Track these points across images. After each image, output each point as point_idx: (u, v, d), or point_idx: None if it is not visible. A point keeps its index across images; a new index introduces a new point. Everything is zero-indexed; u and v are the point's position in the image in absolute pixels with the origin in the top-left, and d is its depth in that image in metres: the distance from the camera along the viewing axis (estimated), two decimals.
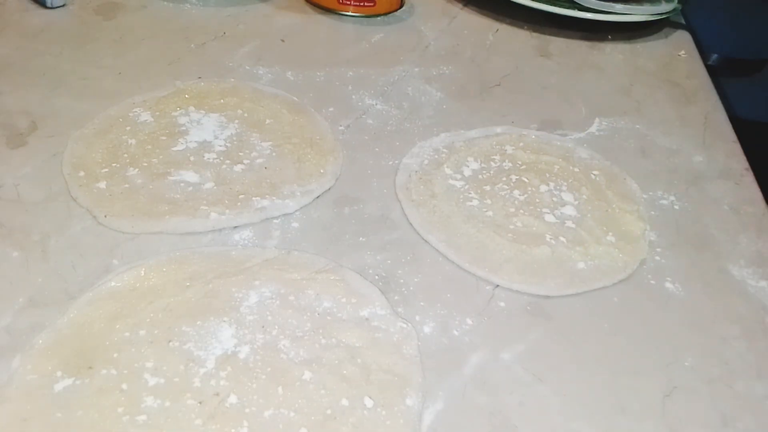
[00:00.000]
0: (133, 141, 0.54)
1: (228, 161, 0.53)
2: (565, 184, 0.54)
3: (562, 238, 0.49)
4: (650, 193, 0.56)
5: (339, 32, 0.75)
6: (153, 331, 0.40)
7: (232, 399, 0.37)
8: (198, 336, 0.40)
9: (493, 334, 0.43)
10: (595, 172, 0.56)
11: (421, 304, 0.44)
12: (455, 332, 0.43)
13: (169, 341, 0.39)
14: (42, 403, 0.36)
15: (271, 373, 0.38)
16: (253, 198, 0.50)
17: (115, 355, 0.38)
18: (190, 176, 0.51)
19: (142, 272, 0.43)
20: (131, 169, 0.51)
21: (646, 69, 0.75)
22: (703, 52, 0.81)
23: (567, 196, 0.53)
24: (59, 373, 0.37)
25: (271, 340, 0.40)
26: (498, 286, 0.46)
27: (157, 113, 0.57)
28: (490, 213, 0.51)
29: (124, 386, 0.37)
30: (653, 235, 0.52)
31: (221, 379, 0.38)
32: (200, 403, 0.37)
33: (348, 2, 0.77)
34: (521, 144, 0.59)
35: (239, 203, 0.49)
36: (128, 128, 0.55)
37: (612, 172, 0.57)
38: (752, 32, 0.96)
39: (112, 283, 0.43)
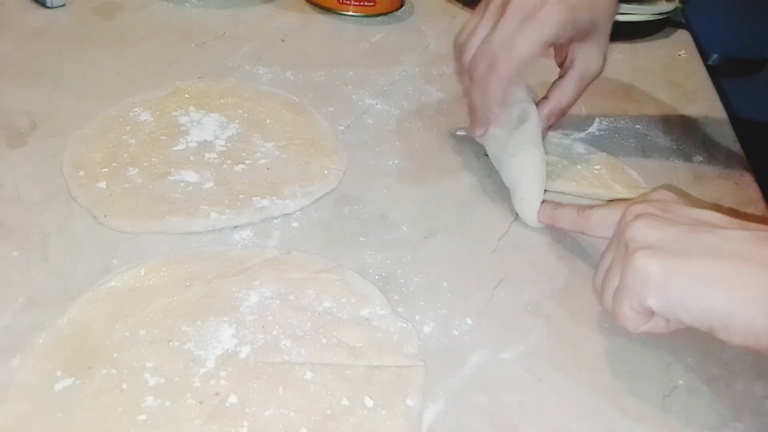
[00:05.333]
0: (133, 141, 0.54)
1: (229, 161, 0.53)
2: (574, 183, 0.54)
3: None
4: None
5: (339, 32, 0.75)
6: (153, 331, 0.40)
7: (233, 399, 0.37)
8: (198, 336, 0.40)
9: (493, 334, 0.43)
10: (597, 167, 0.56)
11: (421, 304, 0.44)
12: (455, 332, 0.43)
13: (170, 341, 0.39)
14: (42, 403, 0.36)
15: (272, 373, 0.38)
16: (253, 198, 0.50)
17: (115, 355, 0.38)
18: (190, 176, 0.51)
19: (142, 272, 0.43)
20: (131, 168, 0.51)
21: (646, 69, 0.75)
22: (703, 52, 0.81)
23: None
24: (59, 373, 0.37)
25: (272, 340, 0.40)
26: (498, 285, 0.46)
27: (157, 113, 0.57)
28: None
29: (124, 386, 0.37)
30: None
31: (221, 379, 0.38)
32: (200, 403, 0.36)
33: (348, 2, 0.77)
34: None
35: (239, 203, 0.49)
36: (128, 128, 0.55)
37: (610, 163, 0.57)
38: (752, 32, 0.96)
39: (112, 283, 0.43)
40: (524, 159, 0.51)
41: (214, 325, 0.41)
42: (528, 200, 0.50)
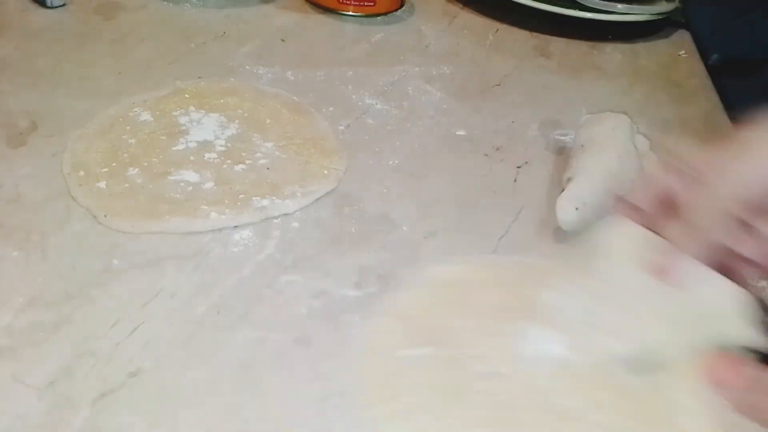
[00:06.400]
0: (133, 141, 0.54)
1: (229, 161, 0.53)
2: None
3: None
4: None
5: (339, 32, 0.75)
6: (485, 323, 0.41)
7: (572, 403, 0.37)
8: (526, 337, 0.41)
9: None
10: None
11: None
12: None
13: (501, 336, 0.41)
14: (396, 364, 0.39)
15: (605, 385, 0.38)
16: (253, 198, 0.50)
17: (455, 337, 0.41)
18: (190, 176, 0.51)
19: (468, 268, 0.46)
20: (131, 168, 0.51)
21: (646, 69, 0.75)
22: (703, 52, 0.81)
23: None
24: (411, 342, 0.40)
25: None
26: None
27: (157, 113, 0.57)
28: None
29: (468, 366, 0.39)
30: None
31: (557, 384, 0.38)
32: (544, 400, 0.37)
33: (348, 2, 0.77)
34: None
35: (239, 203, 0.49)
36: (128, 128, 0.55)
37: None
38: (752, 32, 0.95)
39: (444, 274, 0.45)
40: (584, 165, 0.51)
41: (539, 330, 0.41)
42: (565, 195, 0.50)
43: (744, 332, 0.32)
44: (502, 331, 0.41)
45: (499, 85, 0.68)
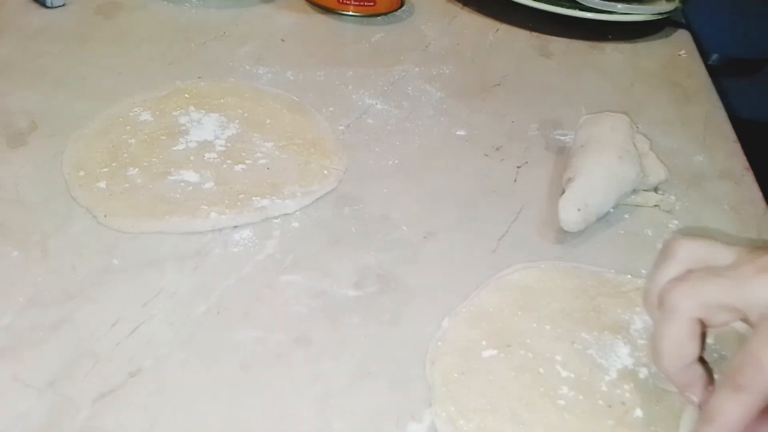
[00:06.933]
0: (133, 141, 0.54)
1: (229, 161, 0.53)
2: None
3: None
4: None
5: (339, 32, 0.75)
6: (556, 329, 0.42)
7: (638, 413, 0.38)
8: (597, 345, 0.41)
9: None
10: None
11: (421, 304, 0.44)
12: None
13: (573, 342, 0.41)
14: (471, 363, 0.40)
15: (672, 401, 0.38)
16: (253, 198, 0.50)
17: (528, 341, 0.41)
18: (190, 176, 0.51)
19: (536, 273, 0.46)
20: (131, 168, 0.51)
21: (646, 69, 0.75)
22: (703, 52, 0.81)
23: None
24: (484, 343, 0.41)
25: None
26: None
27: (157, 113, 0.57)
28: None
29: (541, 370, 0.40)
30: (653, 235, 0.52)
31: (625, 391, 0.39)
32: (609, 406, 0.38)
33: (348, 2, 0.77)
34: None
35: (239, 203, 0.49)
36: (128, 128, 0.55)
37: None
38: (752, 32, 0.96)
39: (513, 276, 0.46)
40: (588, 164, 0.51)
41: (609, 340, 0.42)
42: (568, 196, 0.50)
43: None
44: (575, 338, 0.41)
45: (499, 85, 0.68)
